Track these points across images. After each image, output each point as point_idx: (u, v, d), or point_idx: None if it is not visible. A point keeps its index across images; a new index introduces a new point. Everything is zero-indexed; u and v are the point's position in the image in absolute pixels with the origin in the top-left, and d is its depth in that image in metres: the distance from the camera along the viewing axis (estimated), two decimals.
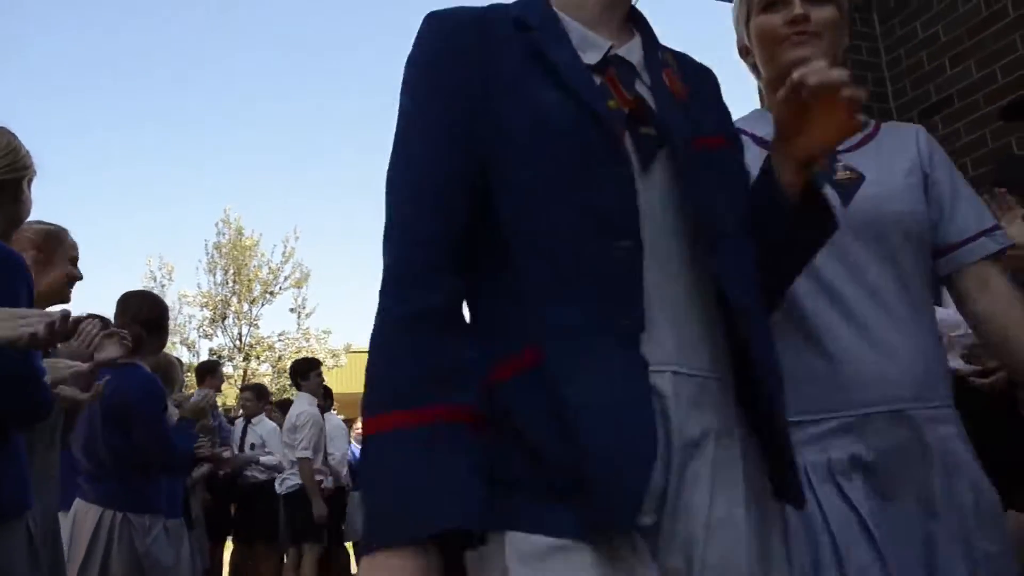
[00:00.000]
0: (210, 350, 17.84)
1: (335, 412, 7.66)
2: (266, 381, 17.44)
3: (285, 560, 6.55)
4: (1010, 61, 4.11)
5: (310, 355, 18.12)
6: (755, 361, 0.98)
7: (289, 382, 16.19)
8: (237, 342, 18.24)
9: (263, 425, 6.61)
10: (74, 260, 2.64)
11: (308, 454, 6.01)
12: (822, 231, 1.18)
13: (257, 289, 18.35)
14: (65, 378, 2.27)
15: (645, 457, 0.87)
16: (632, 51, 1.15)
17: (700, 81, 1.25)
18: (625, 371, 0.91)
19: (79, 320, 1.86)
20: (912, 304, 1.47)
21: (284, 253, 18.59)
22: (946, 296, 3.35)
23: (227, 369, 17.72)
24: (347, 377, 15.21)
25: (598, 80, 1.04)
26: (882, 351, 1.41)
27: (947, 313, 3.21)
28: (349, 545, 7.43)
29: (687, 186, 1.00)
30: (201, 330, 18.08)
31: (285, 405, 7.38)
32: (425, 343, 0.91)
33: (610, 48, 1.10)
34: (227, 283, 18.25)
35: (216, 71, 32.53)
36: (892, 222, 1.48)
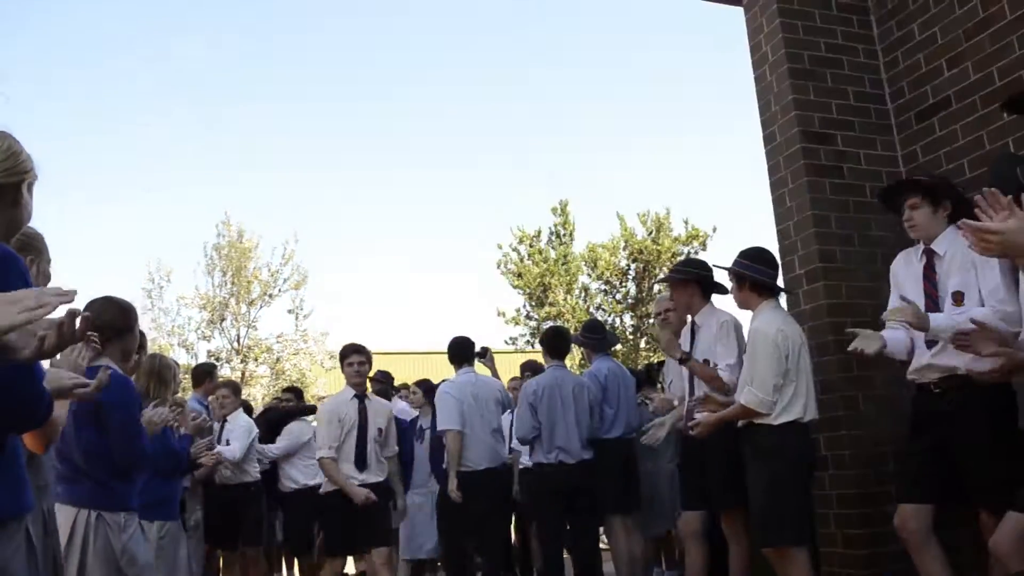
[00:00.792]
0: (208, 352, 17.83)
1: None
2: (264, 383, 17.44)
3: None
4: (1007, 63, 4.11)
5: (308, 357, 18.20)
6: None
7: (286, 385, 16.20)
8: (235, 344, 18.22)
9: (238, 423, 6.39)
10: (48, 263, 2.59)
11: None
12: None
13: (256, 291, 18.33)
14: (68, 388, 2.23)
15: None
16: None
17: None
18: None
19: (88, 318, 1.79)
20: None
21: (284, 255, 18.58)
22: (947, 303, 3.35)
23: (225, 371, 17.70)
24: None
25: None
26: None
27: (942, 319, 3.20)
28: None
29: None
30: (199, 331, 18.06)
31: (273, 417, 7.31)
32: None
33: None
34: (226, 285, 18.23)
35: (217, 71, 32.52)
36: None
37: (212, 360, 17.09)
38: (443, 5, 36.61)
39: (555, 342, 5.70)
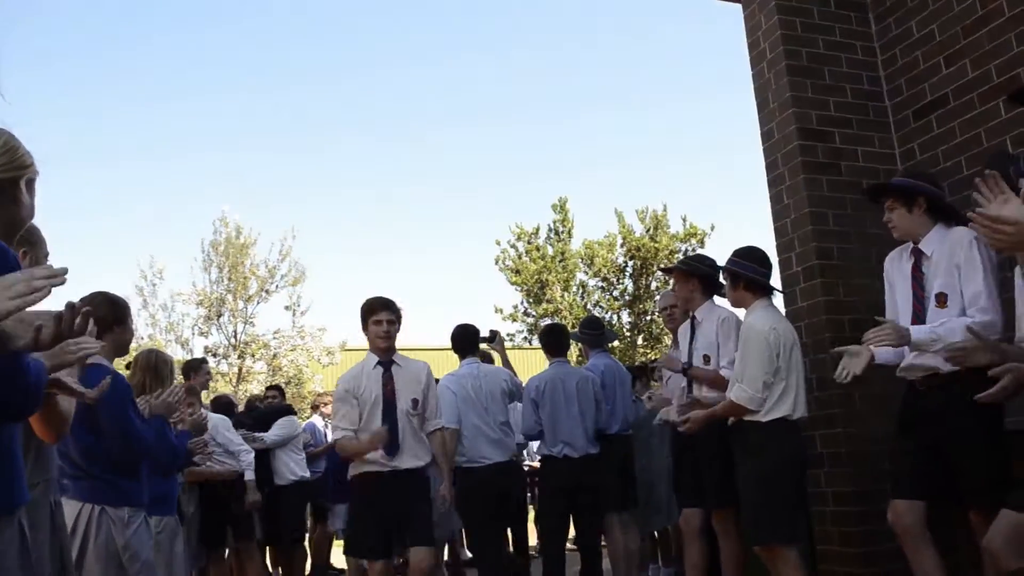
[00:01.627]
0: (205, 348, 17.80)
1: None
2: (261, 379, 17.42)
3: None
4: (1005, 60, 4.11)
5: (305, 353, 18.19)
6: None
7: (283, 382, 16.19)
8: (232, 340, 18.19)
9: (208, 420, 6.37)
10: (46, 257, 2.58)
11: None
12: None
13: (253, 287, 18.31)
14: (71, 362, 2.18)
15: None
16: None
17: None
18: None
19: (88, 313, 1.78)
20: None
21: (281, 251, 18.56)
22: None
23: (222, 367, 17.69)
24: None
25: None
26: None
27: (922, 334, 3.21)
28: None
29: None
30: (196, 328, 18.03)
31: (259, 414, 7.26)
32: None
33: None
34: (222, 281, 18.21)
35: (217, 68, 32.47)
36: None
37: (210, 356, 17.09)
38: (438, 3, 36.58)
39: (552, 339, 5.70)
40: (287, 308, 18.59)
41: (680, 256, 18.62)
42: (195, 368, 6.57)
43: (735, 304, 4.13)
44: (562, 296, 19.49)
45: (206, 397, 7.18)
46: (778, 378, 3.80)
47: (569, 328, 13.46)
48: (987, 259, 3.26)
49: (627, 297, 19.97)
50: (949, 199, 3.71)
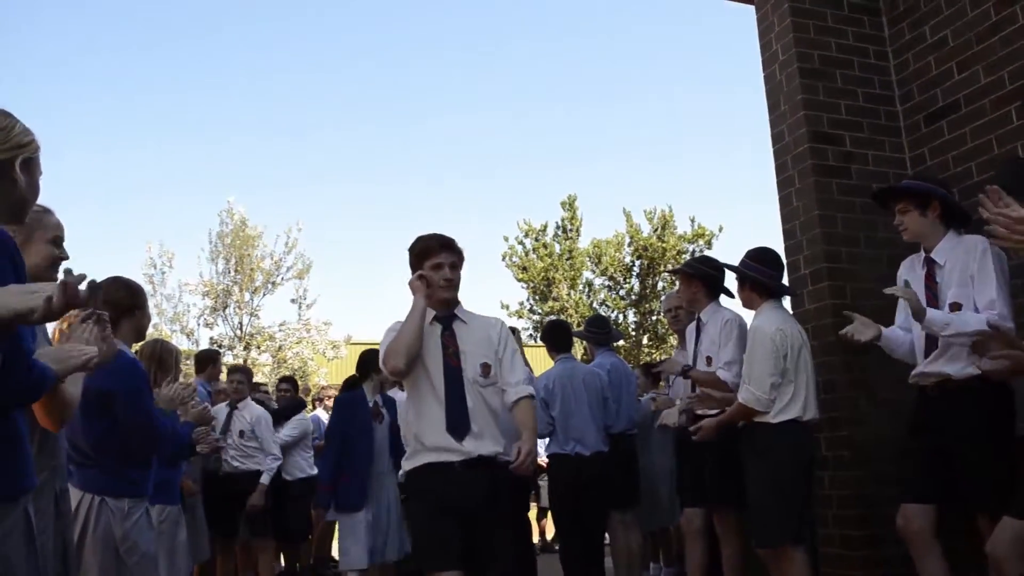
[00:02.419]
0: (210, 339, 17.83)
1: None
2: (266, 371, 17.45)
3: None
4: (1018, 67, 4.10)
5: (310, 346, 18.22)
6: None
7: (287, 373, 16.21)
8: (238, 331, 18.23)
9: (250, 410, 6.24)
10: (58, 240, 2.52)
11: None
12: None
13: (259, 279, 18.33)
14: (77, 365, 2.13)
15: None
16: None
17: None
18: None
19: (95, 284, 1.78)
20: None
21: (287, 244, 18.58)
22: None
23: (227, 358, 17.71)
24: (347, 368, 15.21)
25: None
26: None
27: (936, 312, 3.23)
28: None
29: None
30: (202, 319, 18.07)
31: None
32: None
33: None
34: (229, 272, 18.24)
35: (224, 60, 32.53)
36: None
37: (215, 347, 17.12)
38: None
39: (555, 335, 5.70)
40: (293, 301, 18.62)
41: (687, 256, 18.62)
42: (212, 360, 6.56)
43: (746, 305, 4.15)
44: (568, 294, 19.49)
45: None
46: (786, 379, 3.81)
47: (575, 326, 13.47)
48: (1000, 268, 3.27)
49: (633, 296, 19.97)
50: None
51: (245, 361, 17.55)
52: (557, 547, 6.44)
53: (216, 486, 5.88)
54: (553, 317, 17.49)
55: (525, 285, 19.93)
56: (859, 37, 4.82)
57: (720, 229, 19.97)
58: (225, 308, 18.13)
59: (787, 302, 4.28)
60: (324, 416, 8.00)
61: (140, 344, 4.29)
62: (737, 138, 37.51)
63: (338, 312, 41.81)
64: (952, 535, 3.40)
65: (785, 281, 4.28)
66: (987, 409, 3.23)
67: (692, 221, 20.09)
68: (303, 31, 34.17)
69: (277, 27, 33.93)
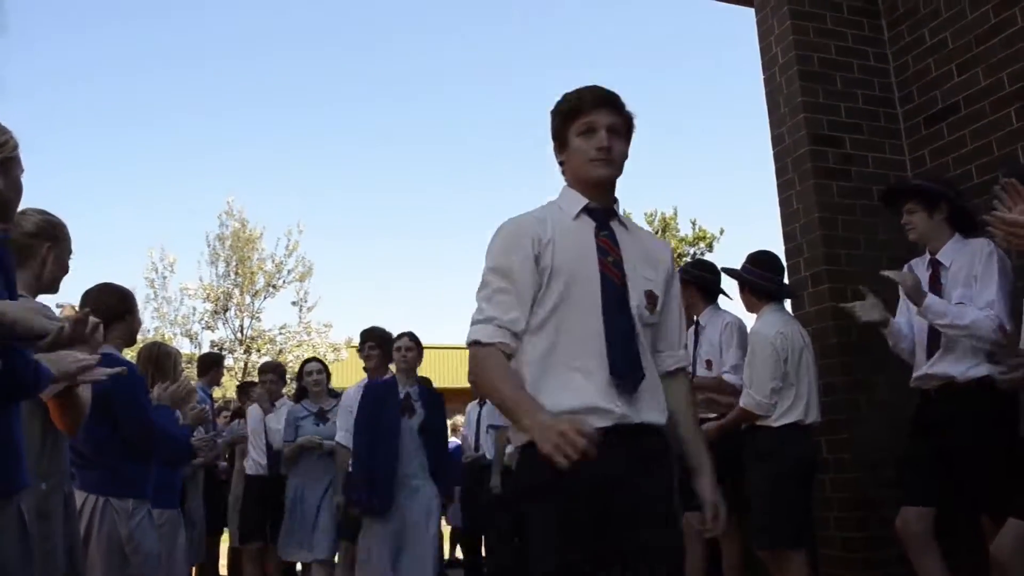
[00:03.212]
0: (211, 342, 17.84)
1: None
2: None
3: None
4: (1017, 69, 4.10)
5: (311, 349, 18.22)
6: None
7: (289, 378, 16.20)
8: (239, 334, 18.23)
9: (284, 406, 6.04)
10: (71, 255, 2.64)
11: None
12: None
13: (260, 282, 18.34)
14: (73, 372, 2.17)
15: None
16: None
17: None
18: None
19: (98, 324, 1.88)
20: None
21: (288, 247, 18.58)
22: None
23: (228, 361, 17.71)
24: (347, 371, 15.20)
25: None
26: None
27: (936, 300, 3.23)
28: None
29: None
30: (203, 322, 18.07)
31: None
32: None
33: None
34: (229, 275, 18.24)
35: (220, 62, 32.56)
36: None
37: (216, 350, 17.12)
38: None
39: None
40: (294, 303, 18.63)
41: (688, 259, 18.63)
42: (215, 364, 6.54)
43: (747, 309, 4.15)
44: None
45: (219, 393, 7.13)
46: (787, 383, 3.81)
47: None
48: (1004, 271, 3.27)
49: None
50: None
51: (246, 364, 17.54)
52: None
53: (249, 490, 5.83)
54: None
55: None
56: (859, 40, 4.83)
57: (721, 232, 19.98)
58: (226, 311, 18.14)
59: (788, 305, 4.28)
60: None
61: (138, 347, 4.30)
62: (738, 141, 37.53)
63: (339, 315, 41.80)
64: (951, 538, 3.40)
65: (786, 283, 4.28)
66: (991, 410, 3.22)
67: (693, 224, 20.10)
68: (304, 36, 34.23)
69: (281, 25, 33.99)
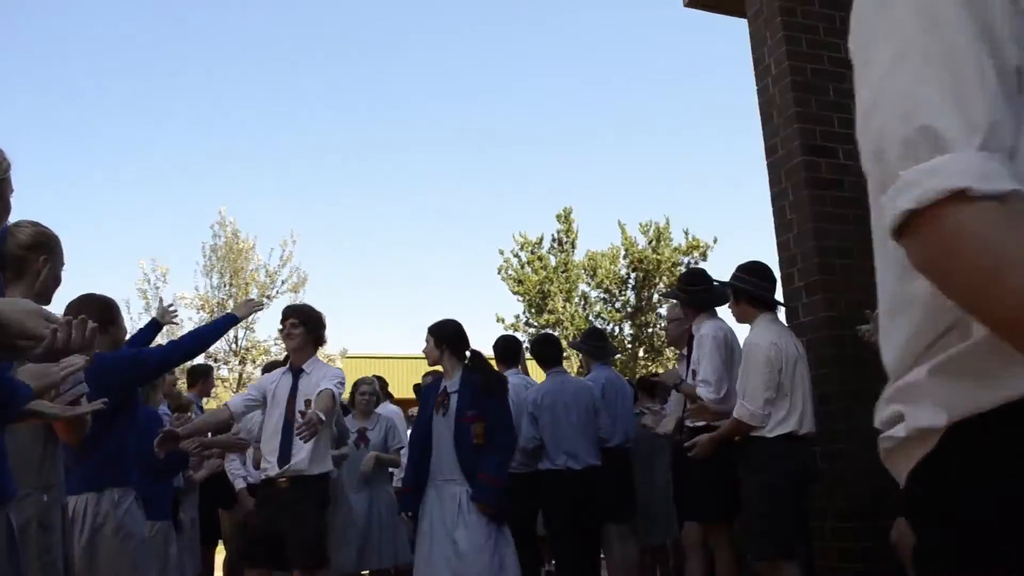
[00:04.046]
0: (206, 353, 17.77)
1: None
2: None
3: None
4: None
5: None
6: None
7: None
8: (233, 345, 18.18)
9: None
10: (63, 267, 2.67)
11: None
12: None
13: (254, 292, 18.29)
14: (58, 381, 2.16)
15: None
16: None
17: None
18: None
19: (96, 329, 1.85)
20: None
21: (282, 257, 18.56)
22: None
23: (223, 372, 17.65)
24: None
25: None
26: None
27: None
28: None
29: None
30: None
31: None
32: None
33: None
34: (224, 286, 18.20)
35: (213, 71, 32.59)
36: None
37: (209, 362, 17.05)
38: (448, 5, 36.73)
39: (544, 349, 5.70)
40: None
41: (683, 269, 18.67)
42: (204, 374, 6.53)
43: (739, 319, 4.14)
44: (564, 307, 19.48)
45: (212, 404, 7.07)
46: (780, 393, 3.80)
47: (572, 339, 13.46)
48: None
49: (629, 309, 19.96)
50: None
51: (240, 375, 17.49)
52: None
53: (208, 492, 5.76)
54: (548, 330, 17.50)
55: (521, 298, 19.92)
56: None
57: (715, 241, 20.01)
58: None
59: (782, 315, 4.28)
60: None
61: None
62: (731, 151, 37.67)
63: (333, 326, 41.76)
64: None
65: (779, 294, 4.29)
66: None
67: (687, 233, 20.12)
68: (300, 41, 34.29)
69: (273, 35, 34.06)
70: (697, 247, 19.85)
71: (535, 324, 19.57)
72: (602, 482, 5.22)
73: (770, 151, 4.83)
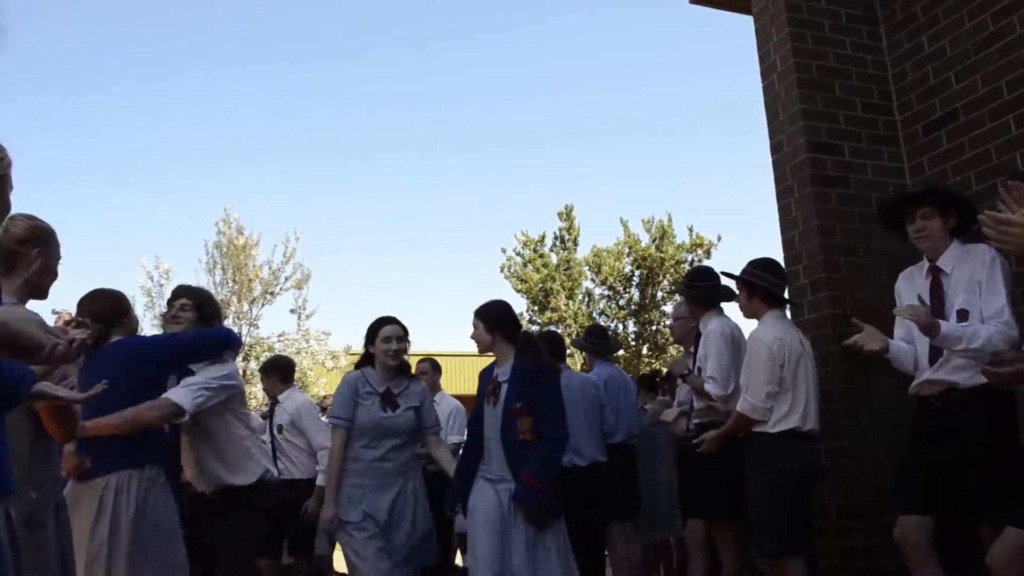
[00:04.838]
0: None
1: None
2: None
3: None
4: (1016, 76, 4.11)
5: (310, 356, 18.18)
6: None
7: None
8: None
9: (291, 400, 5.62)
10: (59, 261, 2.69)
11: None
12: None
13: (257, 289, 18.31)
14: (49, 371, 2.23)
15: None
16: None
17: None
18: None
19: (85, 343, 1.93)
20: None
21: (285, 254, 18.57)
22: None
23: None
24: None
25: None
26: None
27: (951, 327, 3.20)
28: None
29: None
30: None
31: None
32: None
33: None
34: (227, 283, 18.21)
35: (216, 71, 32.61)
36: None
37: None
38: (450, 3, 36.70)
39: (547, 346, 5.68)
40: (292, 311, 18.60)
41: (687, 266, 18.67)
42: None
43: (748, 315, 4.13)
44: (567, 304, 19.47)
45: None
46: (783, 388, 3.80)
47: (575, 336, 13.45)
48: (1007, 276, 3.26)
49: (633, 306, 19.95)
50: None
51: (244, 372, 17.51)
52: None
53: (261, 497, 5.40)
54: (551, 328, 17.49)
55: (523, 296, 19.92)
56: (857, 47, 4.83)
57: (719, 239, 19.98)
58: (224, 319, 18.08)
59: (788, 312, 4.28)
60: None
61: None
62: (735, 148, 37.61)
63: (337, 322, 41.79)
64: (949, 546, 3.38)
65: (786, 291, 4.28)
66: (993, 417, 3.20)
67: (691, 231, 20.10)
68: (302, 38, 34.29)
69: (277, 32, 34.07)
70: (701, 245, 19.82)
71: (538, 322, 19.56)
72: (607, 479, 5.22)
73: (775, 148, 4.82)
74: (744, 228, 33.23)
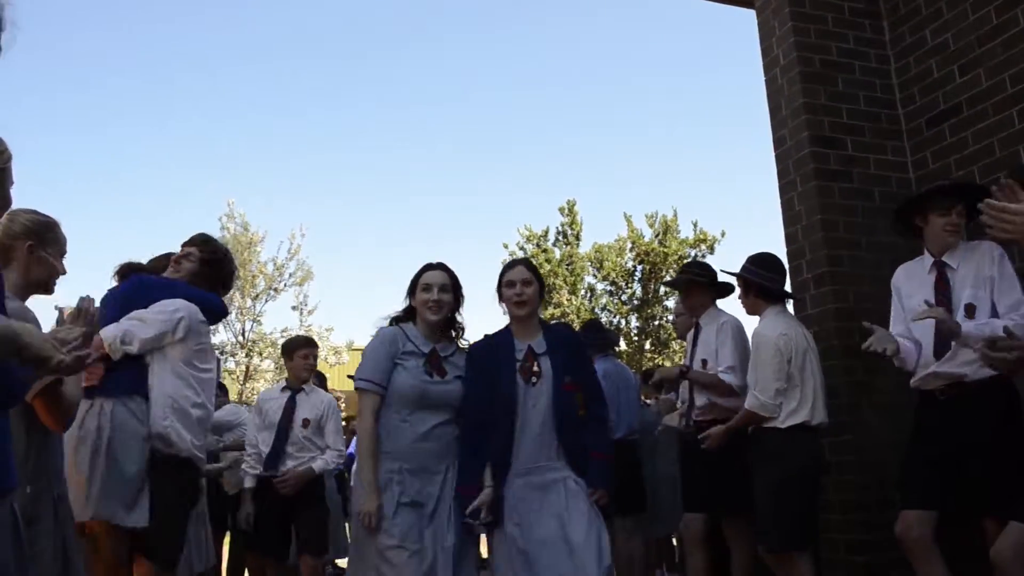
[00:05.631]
0: (212, 345, 17.80)
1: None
2: (268, 377, 17.43)
3: None
4: (1020, 70, 4.09)
5: None
6: None
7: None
8: (240, 337, 18.24)
9: (317, 394, 5.47)
10: (63, 255, 2.68)
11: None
12: None
13: (261, 285, 18.34)
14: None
15: None
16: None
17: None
18: None
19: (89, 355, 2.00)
20: None
21: (289, 250, 18.59)
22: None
23: (229, 364, 17.71)
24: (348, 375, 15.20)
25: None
26: None
27: (973, 327, 3.17)
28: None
29: None
30: None
31: None
32: None
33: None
34: None
35: (220, 68, 32.59)
36: None
37: (218, 354, 17.06)
38: (454, 2, 36.62)
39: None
40: (294, 308, 18.62)
41: (688, 260, 18.66)
42: None
43: (749, 311, 4.14)
44: (569, 299, 19.47)
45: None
46: (791, 384, 3.81)
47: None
48: (1015, 270, 3.27)
49: (635, 302, 19.95)
50: None
51: (247, 368, 17.53)
52: None
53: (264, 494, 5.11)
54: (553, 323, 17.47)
55: None
56: (860, 41, 4.82)
57: (723, 234, 19.97)
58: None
59: (790, 306, 4.27)
60: None
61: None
62: (739, 142, 37.52)
63: (340, 318, 41.76)
64: (952, 541, 3.38)
65: (787, 285, 4.27)
66: (1000, 411, 3.20)
67: (695, 226, 20.09)
68: (308, 36, 34.26)
69: (281, 30, 34.03)
70: (705, 240, 19.82)
71: (540, 317, 19.58)
72: None
73: (778, 142, 4.81)
74: (748, 223, 33.15)
